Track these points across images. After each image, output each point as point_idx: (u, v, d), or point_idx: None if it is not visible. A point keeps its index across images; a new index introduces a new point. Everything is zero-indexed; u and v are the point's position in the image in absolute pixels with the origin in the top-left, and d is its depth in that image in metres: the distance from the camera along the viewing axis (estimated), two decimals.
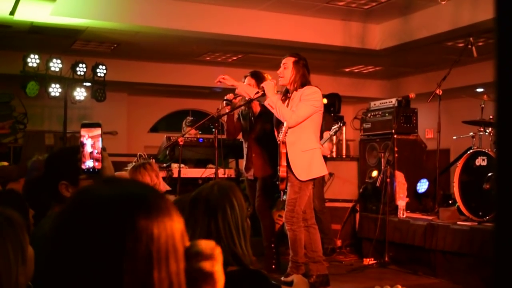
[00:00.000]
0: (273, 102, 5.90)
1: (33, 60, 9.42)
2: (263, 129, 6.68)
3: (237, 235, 2.23)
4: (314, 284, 5.87)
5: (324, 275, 6.01)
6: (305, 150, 5.84)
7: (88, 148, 2.24)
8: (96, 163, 2.23)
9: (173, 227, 0.97)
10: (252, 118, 6.83)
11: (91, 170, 2.24)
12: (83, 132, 2.24)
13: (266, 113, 6.36)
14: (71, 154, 2.74)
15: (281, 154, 5.93)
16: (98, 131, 2.24)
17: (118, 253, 0.91)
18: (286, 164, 5.87)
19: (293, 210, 5.82)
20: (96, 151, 2.22)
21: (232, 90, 6.51)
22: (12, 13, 8.09)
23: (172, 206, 1.00)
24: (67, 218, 0.96)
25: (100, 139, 2.24)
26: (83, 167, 2.25)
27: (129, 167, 4.72)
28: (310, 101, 5.84)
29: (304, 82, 5.94)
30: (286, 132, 5.91)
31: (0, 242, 1.76)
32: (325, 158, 7.49)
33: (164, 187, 5.13)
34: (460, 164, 6.96)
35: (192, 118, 8.48)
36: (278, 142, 6.00)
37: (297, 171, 5.82)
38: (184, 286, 0.98)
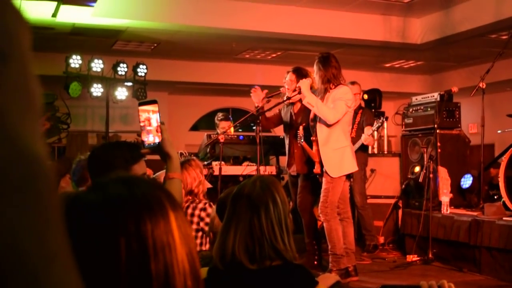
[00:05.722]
0: (313, 101, 5.97)
1: (75, 61, 9.55)
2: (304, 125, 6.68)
3: (279, 231, 2.21)
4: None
5: (352, 266, 6.13)
6: (336, 149, 6.03)
7: (154, 123, 2.43)
8: (157, 137, 2.41)
9: (167, 225, 0.98)
10: (293, 115, 6.82)
11: (152, 144, 2.43)
12: (144, 108, 2.45)
13: (306, 110, 6.36)
14: (117, 148, 2.80)
15: (309, 153, 6.24)
16: (156, 107, 2.44)
17: (111, 256, 0.93)
18: (319, 161, 6.09)
19: (326, 201, 5.99)
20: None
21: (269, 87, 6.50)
22: (54, 15, 8.23)
23: (165, 201, 1.01)
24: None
25: (159, 114, 2.43)
26: (146, 143, 2.44)
27: None
28: (343, 99, 5.97)
29: (329, 79, 6.05)
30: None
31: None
32: (365, 148, 7.64)
33: (206, 185, 5.16)
34: (505, 158, 6.82)
35: (222, 113, 8.49)
36: (299, 144, 6.33)
37: (329, 169, 6.02)
38: (188, 273, 0.99)
